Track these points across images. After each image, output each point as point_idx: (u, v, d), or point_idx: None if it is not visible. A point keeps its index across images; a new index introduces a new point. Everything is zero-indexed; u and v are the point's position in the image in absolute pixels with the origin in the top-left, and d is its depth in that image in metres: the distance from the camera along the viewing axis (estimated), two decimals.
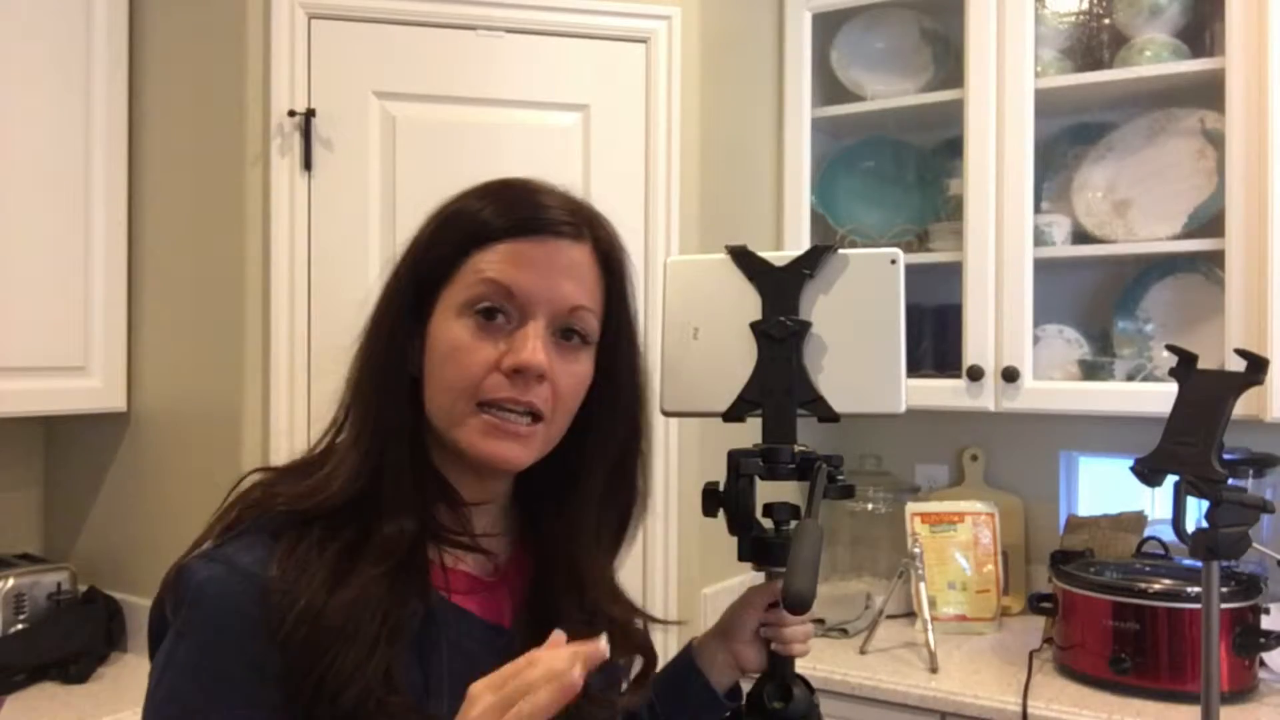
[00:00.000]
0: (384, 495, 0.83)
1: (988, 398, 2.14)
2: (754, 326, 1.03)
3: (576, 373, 0.88)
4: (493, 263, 0.84)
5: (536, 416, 0.86)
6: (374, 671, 0.76)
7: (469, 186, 0.91)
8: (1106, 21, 2.19)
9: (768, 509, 1.03)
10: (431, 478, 0.87)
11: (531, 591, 0.93)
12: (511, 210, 0.86)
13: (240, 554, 0.79)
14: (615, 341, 0.92)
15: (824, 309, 1.02)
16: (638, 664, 0.98)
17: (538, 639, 0.77)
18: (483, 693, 0.72)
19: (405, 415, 0.86)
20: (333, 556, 0.79)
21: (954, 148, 2.29)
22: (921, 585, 2.05)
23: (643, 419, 0.96)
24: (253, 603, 0.76)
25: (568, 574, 0.92)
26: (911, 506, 2.24)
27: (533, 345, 0.84)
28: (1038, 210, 2.17)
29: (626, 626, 0.96)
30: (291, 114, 1.85)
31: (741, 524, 1.02)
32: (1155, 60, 2.08)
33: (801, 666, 1.06)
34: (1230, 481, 1.20)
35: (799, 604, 0.86)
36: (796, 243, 2.34)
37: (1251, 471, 1.93)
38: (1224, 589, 1.73)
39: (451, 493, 0.88)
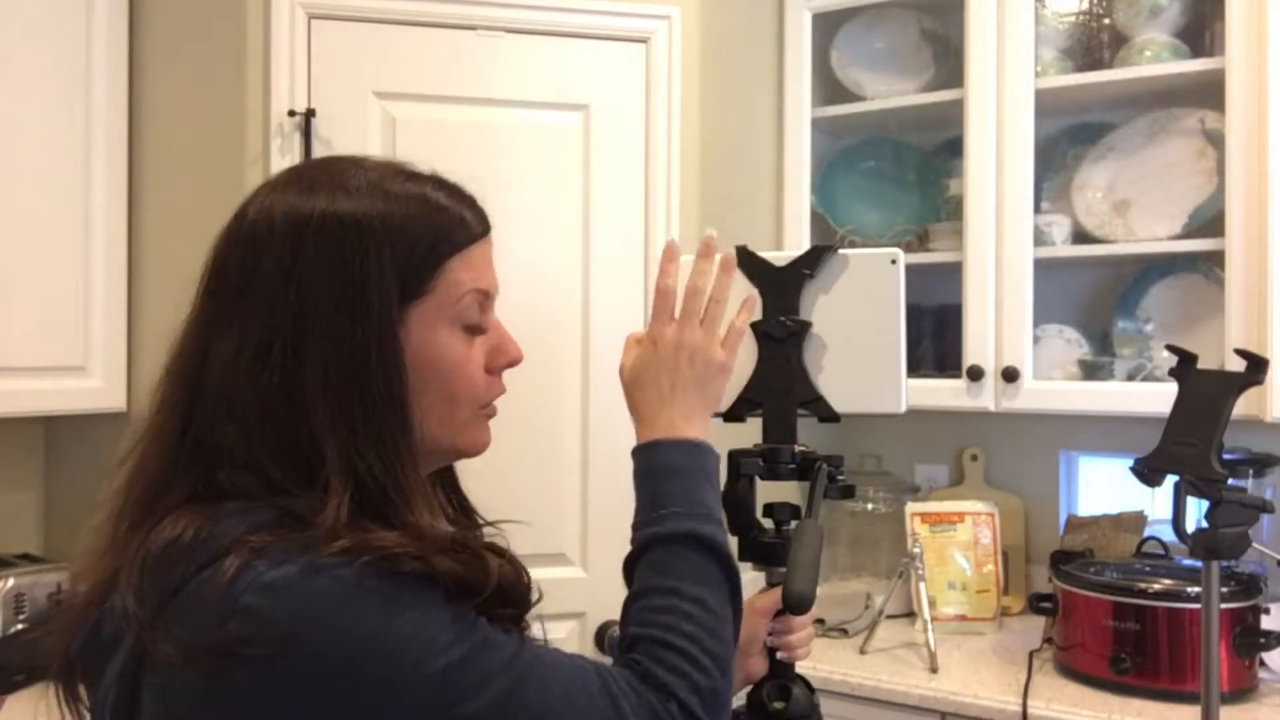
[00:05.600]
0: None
1: (988, 398, 2.14)
2: (754, 326, 1.03)
3: None
4: (473, 271, 0.84)
5: None
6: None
7: (397, 169, 0.85)
8: (1106, 21, 2.19)
9: (768, 509, 1.03)
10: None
11: None
12: (469, 212, 0.85)
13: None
14: None
15: (824, 309, 1.02)
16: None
17: None
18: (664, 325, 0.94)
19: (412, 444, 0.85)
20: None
21: (954, 148, 2.29)
22: (921, 585, 2.05)
23: None
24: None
25: None
26: (911, 506, 2.24)
27: (514, 340, 0.88)
28: (1038, 210, 2.17)
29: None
30: (291, 114, 1.85)
31: (742, 524, 1.02)
32: (1155, 60, 2.08)
33: (801, 666, 1.06)
34: (1230, 481, 1.20)
35: (800, 605, 0.86)
36: (796, 243, 2.34)
37: (1251, 471, 1.93)
38: (1224, 589, 1.73)
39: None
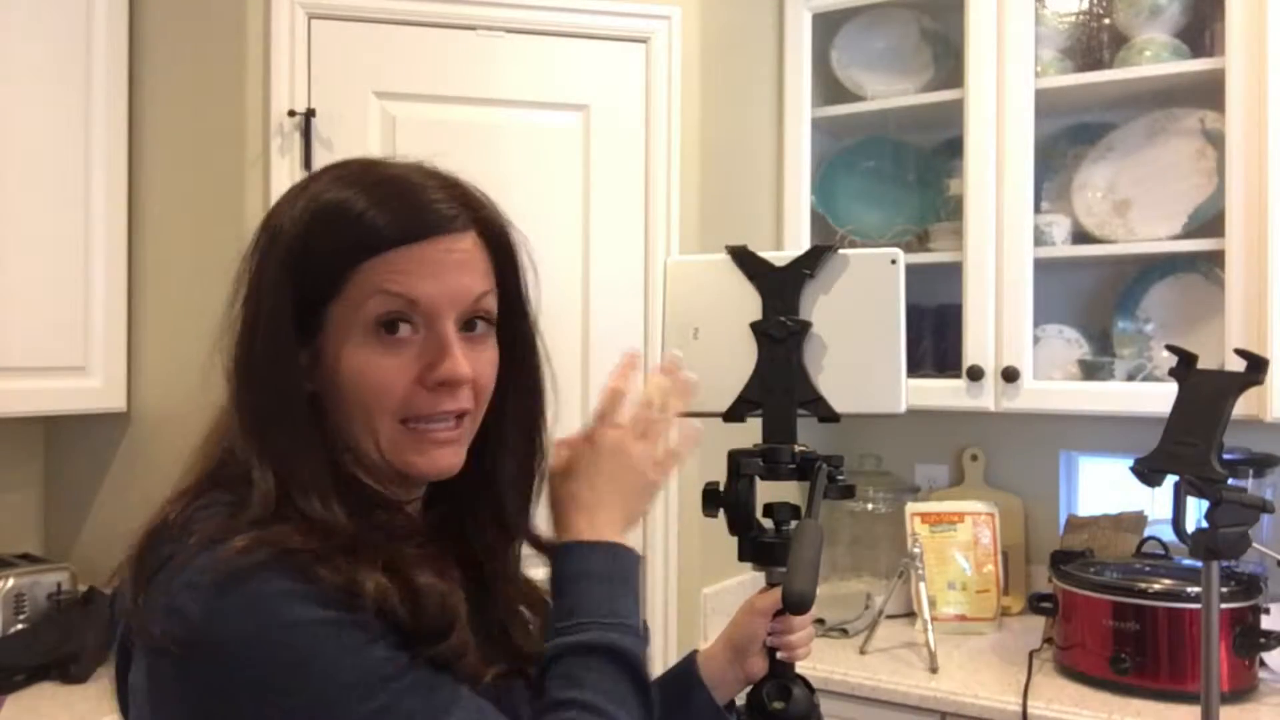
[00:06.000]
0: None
1: (988, 398, 2.14)
2: (754, 326, 1.03)
3: (489, 359, 0.87)
4: (389, 275, 0.80)
5: (461, 415, 0.85)
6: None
7: (335, 170, 0.86)
8: (1106, 21, 2.19)
9: (768, 509, 1.03)
10: (363, 492, 0.84)
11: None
12: (397, 213, 0.80)
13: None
14: (510, 312, 0.90)
15: (824, 309, 1.02)
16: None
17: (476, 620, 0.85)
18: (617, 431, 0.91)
19: (316, 445, 0.82)
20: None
21: (954, 148, 2.29)
22: (921, 585, 2.05)
23: (544, 382, 0.95)
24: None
25: (470, 555, 0.91)
26: (911, 506, 2.24)
27: (454, 355, 0.81)
28: (1038, 210, 2.17)
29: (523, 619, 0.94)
30: (291, 114, 1.85)
31: (741, 524, 1.02)
32: (1155, 60, 2.08)
33: (801, 666, 1.06)
34: (1230, 481, 1.20)
35: (800, 605, 0.86)
36: (796, 243, 2.34)
37: (1251, 471, 1.93)
38: (1224, 589, 1.73)
39: (385, 500, 0.86)
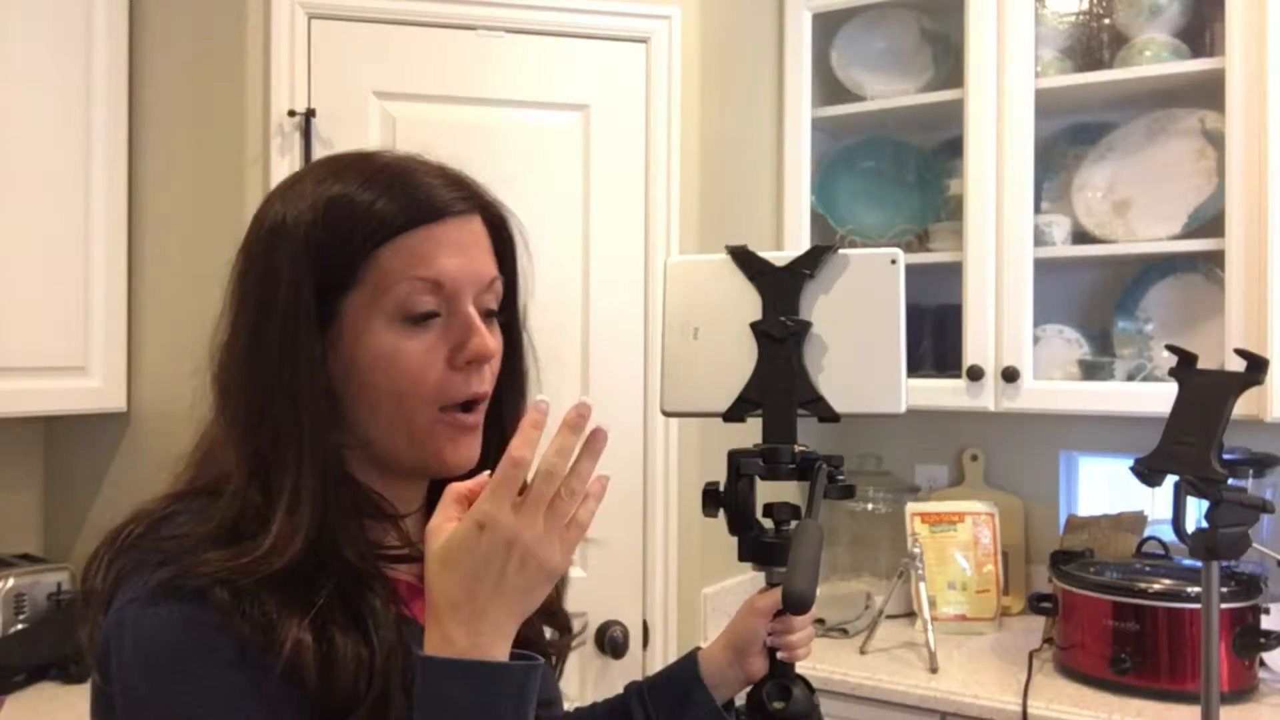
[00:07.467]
0: (324, 538, 0.77)
1: (988, 398, 2.14)
2: (754, 326, 1.03)
3: (501, 344, 0.87)
4: (411, 259, 0.79)
5: (478, 402, 0.83)
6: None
7: (329, 165, 0.84)
8: (1106, 21, 2.19)
9: (768, 509, 1.02)
10: (364, 497, 0.83)
11: None
12: (404, 199, 0.80)
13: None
14: (511, 301, 0.90)
15: (824, 309, 1.02)
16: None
17: None
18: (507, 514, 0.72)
19: (334, 442, 0.80)
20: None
21: (954, 148, 2.30)
22: (921, 585, 2.05)
23: (527, 384, 0.94)
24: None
25: None
26: (911, 506, 2.24)
27: (481, 331, 0.81)
28: (1038, 210, 2.17)
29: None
30: (291, 114, 1.86)
31: (741, 524, 1.02)
32: (1155, 60, 2.08)
33: (801, 666, 1.06)
34: (1230, 481, 1.20)
35: (799, 605, 0.86)
36: (796, 243, 2.34)
37: (1251, 471, 1.93)
38: (1224, 589, 1.73)
39: (388, 507, 0.84)
